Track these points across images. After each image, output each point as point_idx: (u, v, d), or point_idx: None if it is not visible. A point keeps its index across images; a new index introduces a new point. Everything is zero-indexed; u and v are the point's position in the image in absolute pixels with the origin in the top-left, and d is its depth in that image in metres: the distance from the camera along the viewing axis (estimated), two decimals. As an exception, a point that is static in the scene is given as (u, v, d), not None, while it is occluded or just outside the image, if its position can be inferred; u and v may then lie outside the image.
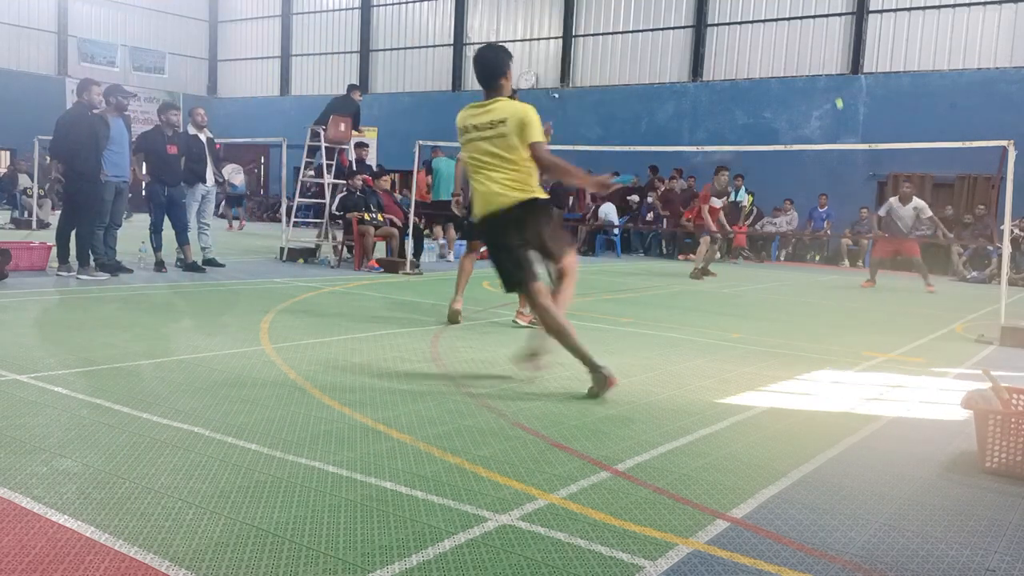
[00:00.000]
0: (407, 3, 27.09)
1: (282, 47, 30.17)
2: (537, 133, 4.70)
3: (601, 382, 4.63)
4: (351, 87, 14.35)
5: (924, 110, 18.35)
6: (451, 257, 14.55)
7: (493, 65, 4.84)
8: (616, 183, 5.67)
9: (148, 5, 30.18)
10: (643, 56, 22.68)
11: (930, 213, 13.34)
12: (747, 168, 18.83)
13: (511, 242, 4.76)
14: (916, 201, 13.12)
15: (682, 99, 21.86)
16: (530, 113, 4.71)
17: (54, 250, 9.65)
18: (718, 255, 16.10)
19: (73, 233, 9.31)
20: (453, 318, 7.24)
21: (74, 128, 9.01)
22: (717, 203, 13.47)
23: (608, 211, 19.12)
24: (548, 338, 4.82)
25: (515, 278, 4.78)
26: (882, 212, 13.41)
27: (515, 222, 4.73)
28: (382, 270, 11.88)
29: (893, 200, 13.26)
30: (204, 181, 11.06)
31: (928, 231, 17.65)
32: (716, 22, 21.50)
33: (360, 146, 14.10)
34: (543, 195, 4.83)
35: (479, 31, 25.59)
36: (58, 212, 11.85)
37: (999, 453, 3.61)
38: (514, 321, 7.20)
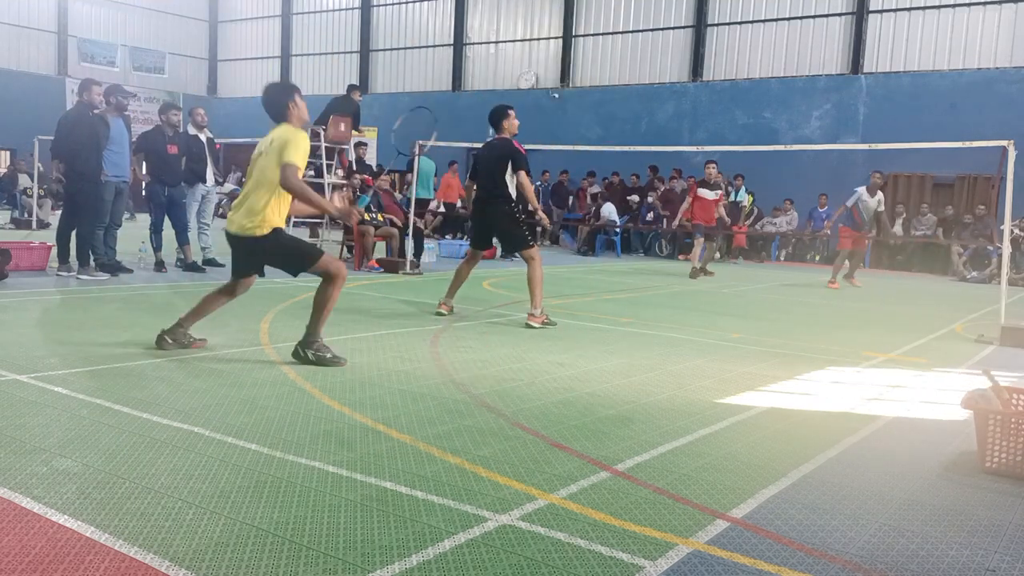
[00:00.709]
0: (407, 3, 27.09)
1: (282, 47, 30.16)
2: (294, 155, 4.92)
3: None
4: (351, 87, 14.35)
5: (924, 110, 18.34)
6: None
7: (275, 103, 5.22)
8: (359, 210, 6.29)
9: (148, 5, 30.18)
10: (643, 56, 22.67)
11: (883, 208, 12.94)
12: (747, 168, 18.83)
13: (243, 256, 5.33)
14: (879, 194, 12.71)
15: (682, 99, 21.85)
16: (296, 136, 5.00)
17: (54, 250, 9.65)
18: (717, 255, 16.05)
19: (73, 233, 9.30)
20: (438, 312, 7.70)
21: (76, 128, 9.00)
22: (710, 195, 13.25)
23: (610, 211, 19.15)
24: None
25: (242, 274, 5.41)
26: (850, 203, 12.74)
27: (252, 249, 5.20)
28: (382, 270, 11.87)
29: (862, 190, 12.68)
30: (204, 181, 11.05)
31: (927, 232, 17.65)
32: (716, 22, 21.49)
33: (359, 145, 14.10)
34: (275, 227, 5.13)
35: (479, 31, 25.59)
36: (58, 212, 11.85)
37: (999, 453, 3.61)
38: (527, 324, 7.23)
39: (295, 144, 4.95)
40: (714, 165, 13.43)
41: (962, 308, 10.59)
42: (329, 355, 5.23)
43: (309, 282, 10.23)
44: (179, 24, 31.29)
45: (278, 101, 5.21)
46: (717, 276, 13.74)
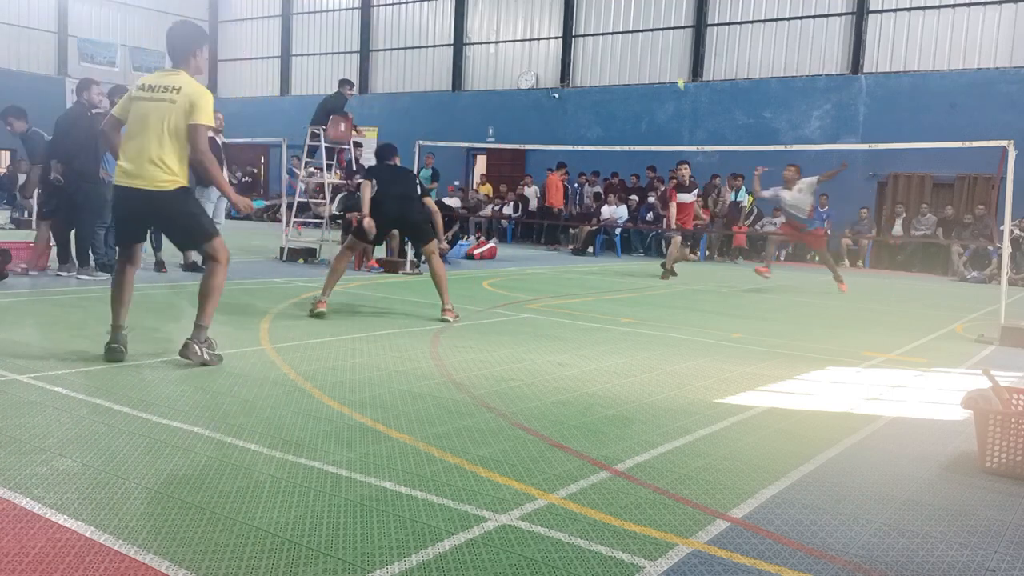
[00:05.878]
0: (407, 3, 27.08)
1: (282, 47, 30.16)
2: (207, 115, 4.77)
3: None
4: (341, 82, 14.22)
5: (924, 110, 18.34)
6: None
7: (183, 44, 4.93)
8: (256, 207, 5.56)
9: (148, 5, 30.16)
10: (643, 56, 22.67)
11: (815, 179, 11.35)
12: (747, 168, 18.80)
13: (138, 217, 4.96)
14: (801, 183, 11.43)
15: (682, 99, 21.85)
16: (206, 93, 4.79)
17: (54, 250, 9.64)
18: (693, 256, 15.73)
19: (73, 233, 9.30)
20: (315, 313, 6.99)
21: (74, 128, 8.99)
22: (688, 198, 12.91)
23: (618, 212, 19.31)
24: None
25: (135, 238, 5.06)
26: (767, 195, 11.83)
27: (156, 208, 4.84)
28: (382, 270, 11.87)
29: (778, 189, 11.61)
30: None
31: (927, 232, 17.63)
32: (716, 22, 21.49)
33: (356, 146, 14.10)
34: (185, 185, 4.89)
35: (479, 31, 25.58)
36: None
37: (999, 453, 3.61)
38: (442, 319, 7.04)
39: (207, 101, 4.75)
40: (687, 166, 13.08)
41: (962, 308, 10.59)
42: (214, 354, 5.01)
43: (310, 281, 10.24)
44: (179, 24, 31.25)
45: (186, 45, 4.91)
46: (719, 277, 13.72)
